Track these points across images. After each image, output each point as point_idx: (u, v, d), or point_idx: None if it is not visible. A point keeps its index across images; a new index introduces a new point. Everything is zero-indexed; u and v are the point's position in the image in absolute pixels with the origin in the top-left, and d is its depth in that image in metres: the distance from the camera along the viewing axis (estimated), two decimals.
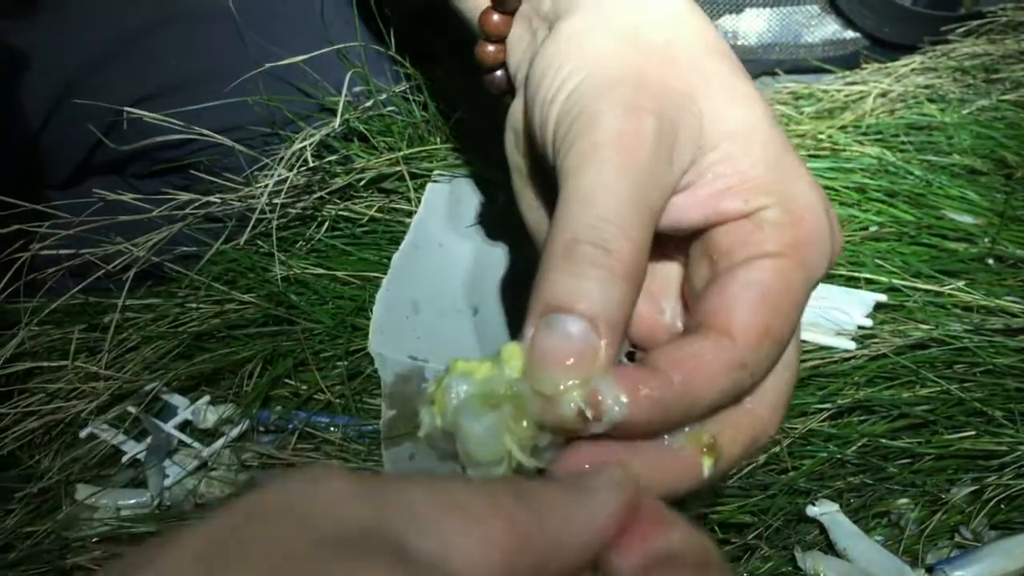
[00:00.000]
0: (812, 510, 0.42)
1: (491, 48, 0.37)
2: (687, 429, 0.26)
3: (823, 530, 0.42)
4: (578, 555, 0.20)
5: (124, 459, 0.45)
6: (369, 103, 0.52)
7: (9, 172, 0.53)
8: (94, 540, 0.43)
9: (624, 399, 0.24)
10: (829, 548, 0.41)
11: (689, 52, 0.29)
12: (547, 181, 0.32)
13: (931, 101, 0.58)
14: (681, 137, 0.27)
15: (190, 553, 0.17)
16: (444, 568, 0.18)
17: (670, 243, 0.31)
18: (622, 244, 0.25)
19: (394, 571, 0.17)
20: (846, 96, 0.59)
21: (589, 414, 0.24)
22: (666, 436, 0.26)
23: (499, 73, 0.38)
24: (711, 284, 0.27)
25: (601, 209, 0.25)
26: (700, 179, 0.28)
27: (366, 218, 0.52)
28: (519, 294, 0.47)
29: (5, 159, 0.53)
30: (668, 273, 0.32)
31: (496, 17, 0.36)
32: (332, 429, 0.46)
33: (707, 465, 0.26)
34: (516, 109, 0.33)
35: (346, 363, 0.47)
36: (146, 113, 0.48)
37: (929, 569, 0.40)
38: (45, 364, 0.47)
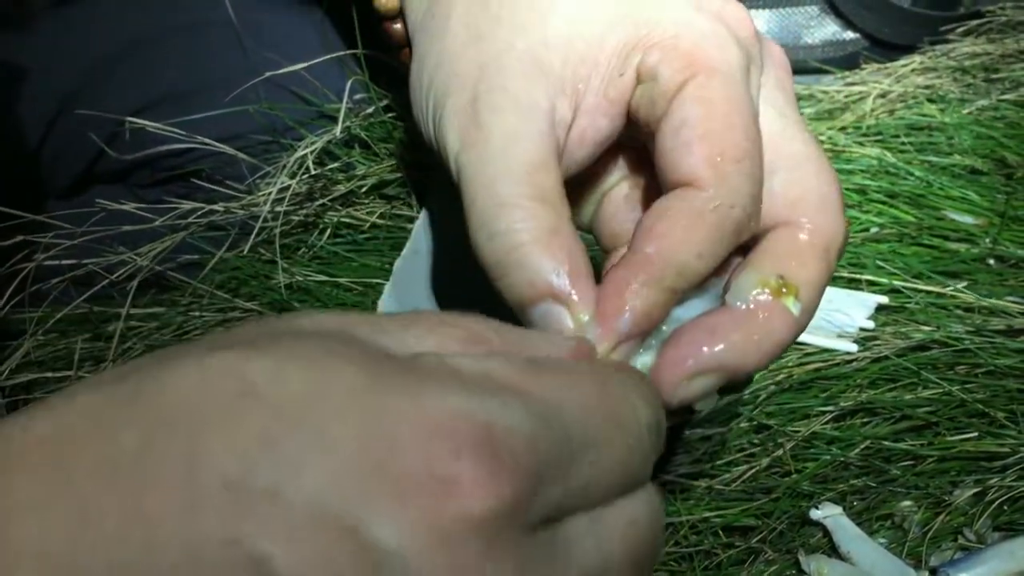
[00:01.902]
0: (815, 513, 0.42)
1: None
2: (749, 282, 0.25)
3: (827, 533, 0.42)
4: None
5: None
6: (370, 110, 0.52)
7: (11, 183, 0.53)
8: None
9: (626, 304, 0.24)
10: (833, 551, 0.41)
11: None
12: None
13: (931, 101, 0.58)
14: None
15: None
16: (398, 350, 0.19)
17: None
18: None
19: (327, 345, 0.18)
20: (846, 97, 0.59)
21: (605, 344, 0.24)
22: (729, 299, 0.25)
23: (398, 25, 0.36)
24: (653, 150, 0.27)
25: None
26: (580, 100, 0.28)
27: (368, 224, 0.52)
28: None
29: (6, 170, 0.53)
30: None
31: None
32: None
33: (791, 305, 0.25)
34: None
35: None
36: (148, 123, 0.48)
37: (933, 571, 0.40)
38: (50, 375, 0.47)
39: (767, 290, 0.25)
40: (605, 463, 0.19)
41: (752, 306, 0.25)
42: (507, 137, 0.25)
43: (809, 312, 0.25)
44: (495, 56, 0.27)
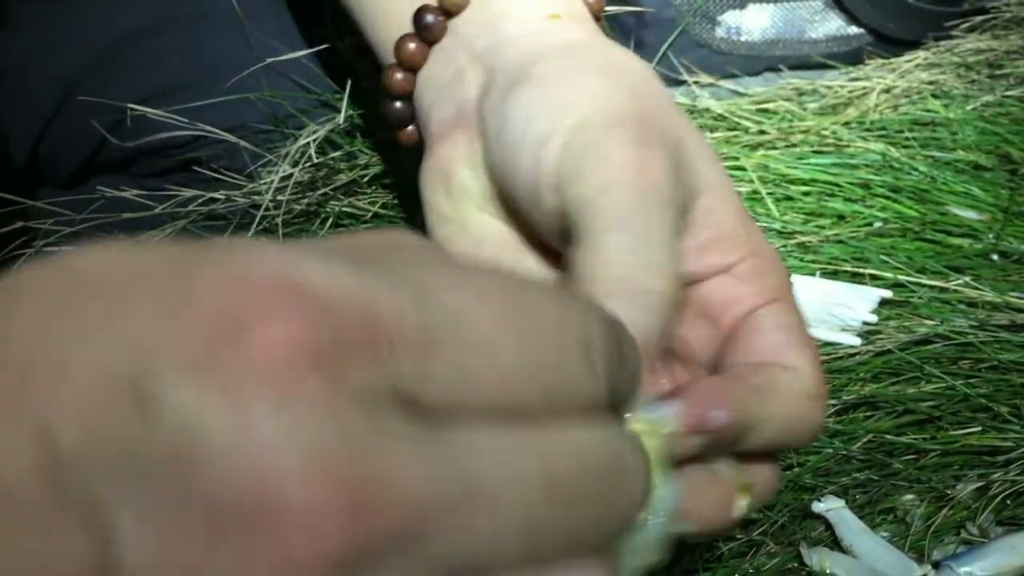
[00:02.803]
0: (818, 506, 0.42)
1: (400, 76, 0.36)
2: (729, 467, 0.26)
3: (829, 526, 0.42)
4: None
5: None
6: (373, 98, 0.52)
7: (12, 173, 0.53)
8: None
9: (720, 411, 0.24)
10: (835, 544, 0.41)
11: (667, 102, 0.30)
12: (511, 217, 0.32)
13: (935, 97, 0.58)
14: (682, 177, 0.28)
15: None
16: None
17: None
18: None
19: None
20: (850, 92, 0.59)
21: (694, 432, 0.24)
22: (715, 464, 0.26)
23: (400, 104, 0.37)
24: (731, 340, 0.29)
25: (633, 249, 0.26)
26: (687, 229, 0.28)
27: (370, 214, 0.52)
28: None
29: (8, 160, 0.53)
30: None
31: (413, 46, 0.35)
32: None
33: (742, 503, 0.26)
34: (459, 150, 0.33)
35: None
36: (149, 110, 0.48)
37: (935, 565, 0.40)
38: None
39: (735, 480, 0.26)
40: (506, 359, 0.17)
41: (720, 475, 0.26)
42: None
43: (735, 523, 0.27)
44: (675, 145, 0.29)
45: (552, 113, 0.29)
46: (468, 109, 0.33)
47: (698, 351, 0.30)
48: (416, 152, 0.38)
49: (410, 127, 0.38)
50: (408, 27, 0.35)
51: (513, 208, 0.32)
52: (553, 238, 0.30)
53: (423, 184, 0.34)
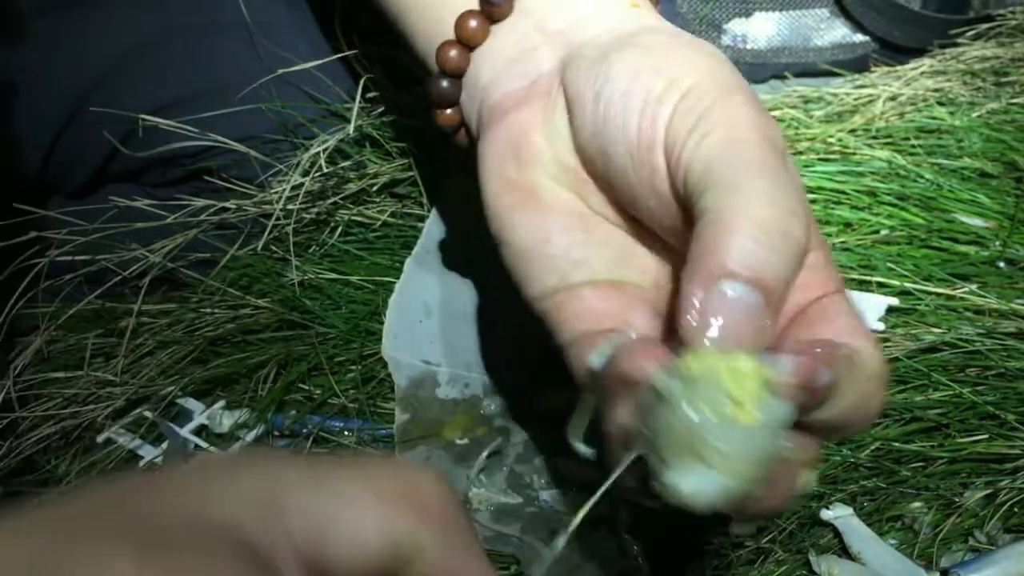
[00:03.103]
0: (826, 514, 0.42)
1: (455, 53, 0.36)
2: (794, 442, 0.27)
3: (837, 534, 0.42)
4: None
5: (141, 464, 0.46)
6: (382, 108, 0.52)
7: (25, 183, 0.53)
8: None
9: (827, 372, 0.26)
10: (843, 552, 0.41)
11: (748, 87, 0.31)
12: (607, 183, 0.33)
13: (941, 104, 0.58)
14: None
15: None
16: None
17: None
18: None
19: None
20: (855, 99, 0.59)
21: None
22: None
23: (447, 83, 0.37)
24: (798, 322, 0.30)
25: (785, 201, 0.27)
26: None
27: (379, 223, 0.52)
28: None
29: (21, 170, 0.53)
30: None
31: (475, 23, 0.35)
32: (346, 433, 0.46)
33: (808, 478, 0.27)
34: (535, 117, 0.33)
35: (360, 367, 0.48)
36: (161, 120, 0.49)
37: (943, 572, 0.40)
38: (61, 374, 0.47)
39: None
40: None
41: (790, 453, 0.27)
42: None
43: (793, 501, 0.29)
44: None
45: (666, 73, 0.30)
46: (543, 82, 0.34)
47: None
48: (446, 137, 0.38)
49: (450, 110, 0.38)
50: (463, 6, 0.36)
51: (598, 173, 0.33)
52: (643, 203, 0.31)
53: (487, 154, 0.34)
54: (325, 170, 0.49)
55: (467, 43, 0.36)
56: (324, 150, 0.49)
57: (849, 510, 0.42)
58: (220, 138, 0.49)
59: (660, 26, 0.35)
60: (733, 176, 0.27)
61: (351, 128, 0.49)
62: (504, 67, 0.35)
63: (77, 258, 0.48)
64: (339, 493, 0.20)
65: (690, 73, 0.30)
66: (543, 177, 0.33)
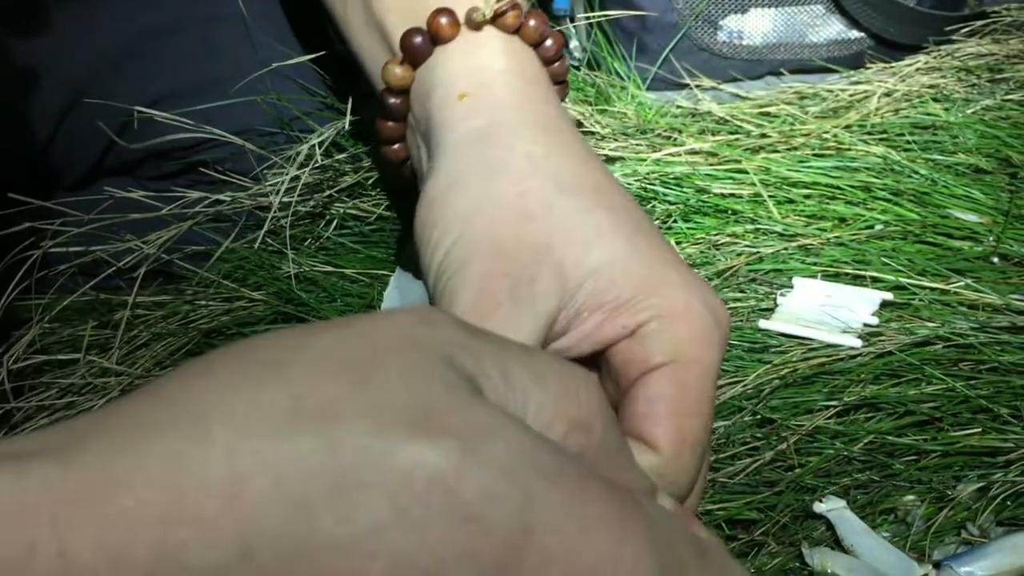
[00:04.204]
0: (819, 507, 0.42)
1: (391, 124, 0.39)
2: None
3: (830, 526, 0.42)
4: None
5: None
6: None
7: (22, 175, 0.53)
8: None
9: None
10: (836, 544, 0.41)
11: (543, 200, 0.31)
12: None
13: (936, 101, 0.58)
14: (540, 288, 0.30)
15: (330, 363, 0.18)
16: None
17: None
18: None
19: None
20: (851, 96, 0.59)
21: None
22: None
23: (397, 146, 0.40)
24: (621, 403, 0.30)
25: None
26: (577, 318, 0.31)
27: (374, 216, 0.52)
28: None
29: (17, 162, 0.53)
30: None
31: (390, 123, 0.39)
32: None
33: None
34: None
35: None
36: (157, 113, 0.49)
37: (936, 565, 0.40)
38: (58, 361, 0.47)
39: None
40: None
41: None
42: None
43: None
44: (533, 257, 0.30)
45: (430, 233, 0.32)
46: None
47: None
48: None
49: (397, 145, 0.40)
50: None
51: None
52: None
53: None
54: (321, 163, 0.49)
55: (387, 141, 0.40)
56: (320, 143, 0.49)
57: (842, 503, 0.42)
58: (216, 131, 0.50)
59: (465, 138, 0.34)
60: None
61: (347, 121, 0.49)
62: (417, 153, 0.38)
63: (71, 249, 0.48)
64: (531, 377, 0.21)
65: (450, 232, 0.31)
66: None
